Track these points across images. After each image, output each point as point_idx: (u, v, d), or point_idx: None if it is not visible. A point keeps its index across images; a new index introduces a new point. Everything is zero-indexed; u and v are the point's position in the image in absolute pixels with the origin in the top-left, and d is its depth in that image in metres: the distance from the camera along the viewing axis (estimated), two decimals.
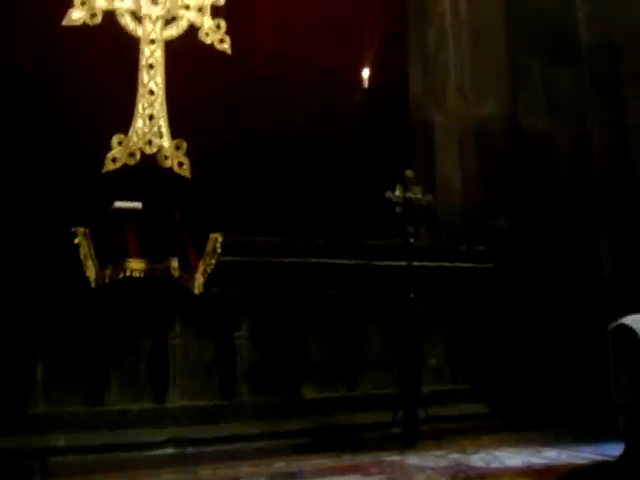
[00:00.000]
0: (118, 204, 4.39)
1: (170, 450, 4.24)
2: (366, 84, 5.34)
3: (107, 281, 4.24)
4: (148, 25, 5.06)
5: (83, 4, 4.93)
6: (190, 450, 4.27)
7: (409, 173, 4.73)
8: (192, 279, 4.40)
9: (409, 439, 4.45)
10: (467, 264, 5.34)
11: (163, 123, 4.96)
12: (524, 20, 5.99)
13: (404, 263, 4.68)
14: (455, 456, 4.16)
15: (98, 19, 4.95)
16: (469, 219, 5.70)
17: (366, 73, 5.36)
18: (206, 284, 4.44)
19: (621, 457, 3.71)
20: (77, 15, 4.91)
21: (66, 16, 4.89)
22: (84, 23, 4.92)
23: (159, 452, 4.21)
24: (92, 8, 4.93)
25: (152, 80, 5.00)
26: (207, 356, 4.62)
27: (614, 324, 3.85)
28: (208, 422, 4.48)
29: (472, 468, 3.87)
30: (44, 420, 4.17)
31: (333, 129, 5.52)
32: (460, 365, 5.35)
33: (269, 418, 4.59)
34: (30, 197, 4.61)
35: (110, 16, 5.00)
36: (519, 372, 5.22)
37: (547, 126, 5.82)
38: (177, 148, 4.97)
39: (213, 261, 4.46)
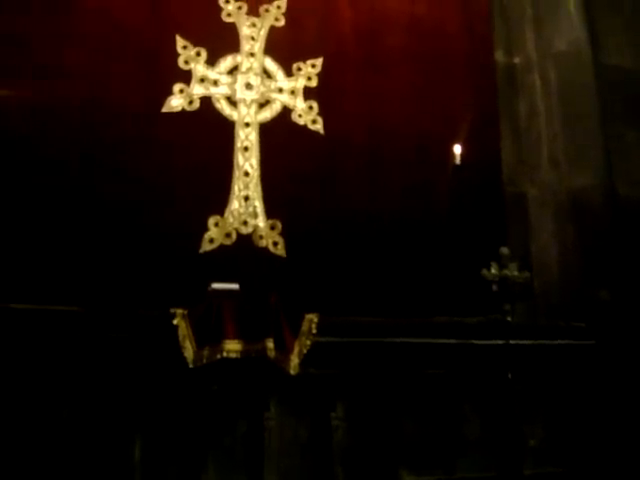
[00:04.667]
0: (215, 286, 4.48)
1: None
2: (458, 159, 5.32)
3: (204, 362, 4.29)
4: (243, 109, 5.24)
5: (182, 92, 5.16)
6: None
7: (504, 250, 4.66)
8: (288, 360, 4.40)
9: None
10: (566, 341, 5.16)
11: (258, 204, 5.09)
12: (616, 87, 5.91)
13: (501, 342, 4.59)
14: None
15: (196, 105, 5.18)
16: (568, 293, 5.52)
17: (458, 148, 5.35)
18: (302, 365, 4.42)
19: None
20: (176, 102, 5.14)
21: (166, 103, 5.11)
22: (182, 109, 5.15)
23: None
24: (190, 95, 5.17)
25: (247, 162, 5.15)
26: (302, 437, 4.57)
27: None
28: None
29: None
30: None
31: (426, 205, 5.49)
32: (562, 447, 5.14)
33: None
34: (129, 279, 4.73)
35: (207, 101, 5.22)
36: (622, 457, 4.97)
37: None
38: (272, 228, 5.08)
39: (309, 342, 4.45)
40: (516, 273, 4.67)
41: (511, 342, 4.60)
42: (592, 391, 5.15)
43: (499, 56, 6.26)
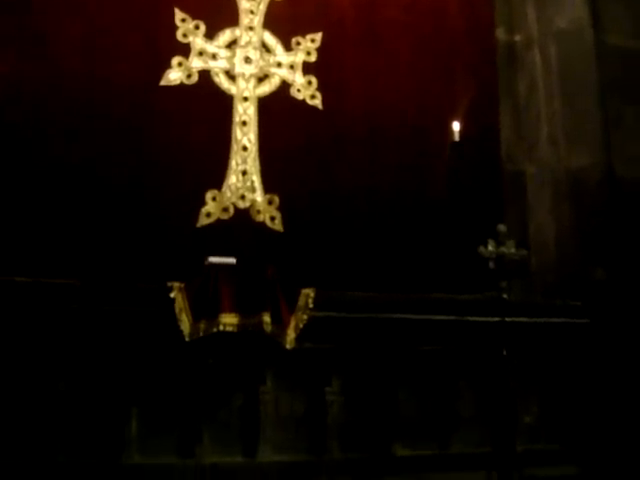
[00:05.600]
0: (212, 259, 4.48)
1: None
2: (456, 135, 5.30)
3: (201, 335, 4.30)
4: (242, 83, 5.22)
5: (180, 65, 5.14)
6: None
7: (502, 228, 4.66)
8: (284, 334, 4.41)
9: None
10: (562, 319, 5.17)
11: (256, 178, 5.09)
12: (616, 66, 5.87)
13: (497, 319, 4.60)
14: None
15: (194, 79, 5.16)
16: (564, 272, 5.53)
17: (456, 125, 5.33)
18: (298, 339, 4.44)
19: None
20: (174, 76, 5.12)
21: (164, 77, 5.09)
22: (181, 83, 5.13)
23: None
24: (188, 69, 5.15)
25: (245, 136, 5.14)
26: (298, 411, 4.60)
27: None
28: (298, 477, 4.45)
29: None
30: (138, 471, 4.23)
31: (424, 181, 5.50)
32: (555, 424, 5.17)
33: (360, 475, 4.54)
34: (127, 252, 4.75)
35: (205, 75, 5.20)
36: (616, 435, 5.01)
37: None
38: (269, 203, 5.09)
39: (305, 316, 4.46)
40: (513, 250, 4.66)
41: (507, 319, 4.61)
42: (587, 369, 5.18)
43: (500, 33, 6.20)
